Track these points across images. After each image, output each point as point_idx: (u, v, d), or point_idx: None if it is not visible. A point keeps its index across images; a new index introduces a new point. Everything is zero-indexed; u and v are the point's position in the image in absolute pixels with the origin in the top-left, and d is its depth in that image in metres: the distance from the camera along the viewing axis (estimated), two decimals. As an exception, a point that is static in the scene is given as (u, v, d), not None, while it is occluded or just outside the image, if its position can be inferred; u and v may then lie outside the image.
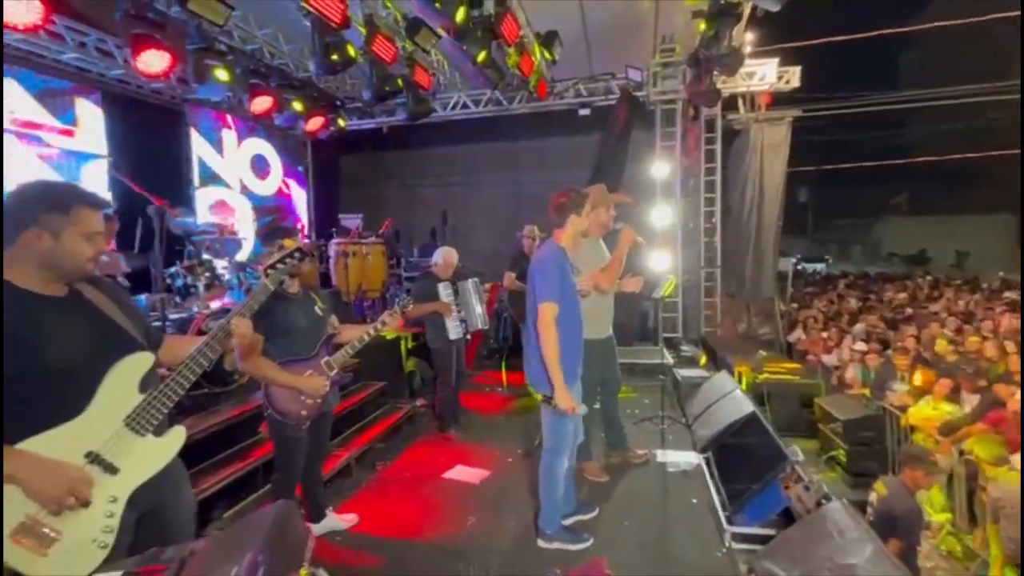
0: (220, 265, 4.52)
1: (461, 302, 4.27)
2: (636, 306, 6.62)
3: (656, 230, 6.43)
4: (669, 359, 5.19)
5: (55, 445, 1.28)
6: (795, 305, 6.16)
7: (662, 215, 6.45)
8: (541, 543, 2.68)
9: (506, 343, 6.49)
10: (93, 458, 1.34)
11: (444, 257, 4.21)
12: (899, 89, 17.70)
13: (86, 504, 1.31)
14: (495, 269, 6.28)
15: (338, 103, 6.84)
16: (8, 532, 1.20)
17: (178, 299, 3.96)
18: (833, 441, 3.99)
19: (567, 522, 2.79)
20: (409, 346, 5.12)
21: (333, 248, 5.87)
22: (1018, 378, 4.00)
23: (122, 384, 1.43)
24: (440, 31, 4.51)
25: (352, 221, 6.71)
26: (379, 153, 8.27)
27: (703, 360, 5.70)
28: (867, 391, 4.91)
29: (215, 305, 3.93)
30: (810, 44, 8.05)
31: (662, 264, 6.21)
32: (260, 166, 7.10)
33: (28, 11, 3.24)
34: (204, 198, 6.14)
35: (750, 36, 6.01)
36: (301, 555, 1.01)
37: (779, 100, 6.70)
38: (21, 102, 4.57)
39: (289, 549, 0.95)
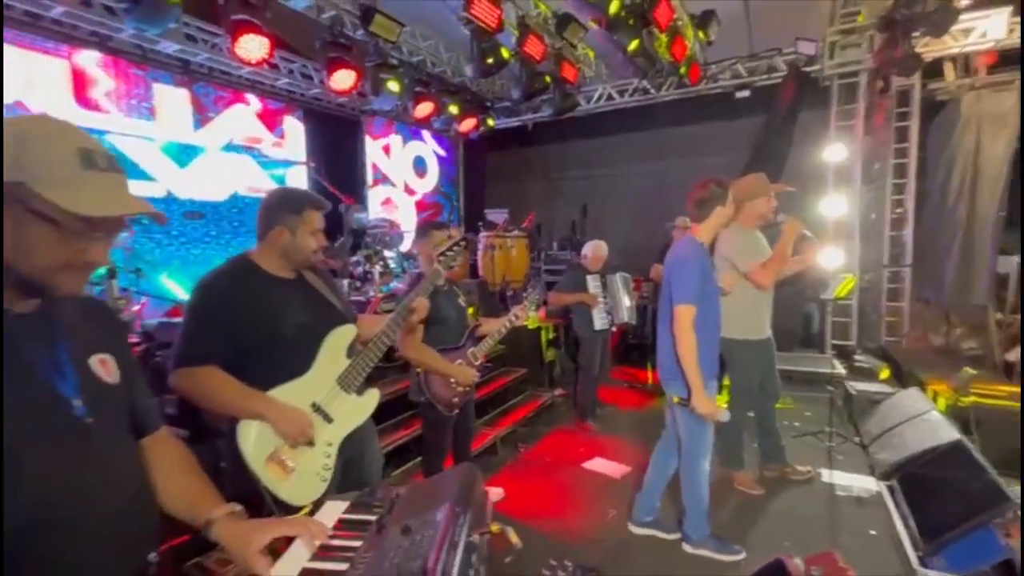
0: (389, 255, 5.14)
1: (609, 294, 4.27)
2: (799, 307, 5.92)
3: (827, 222, 5.67)
4: (840, 369, 4.56)
5: (292, 395, 1.60)
6: (1017, 316, 4.95)
7: (835, 205, 5.65)
8: (687, 548, 2.59)
9: (654, 340, 6.29)
10: (316, 408, 1.64)
11: (593, 250, 4.24)
12: None
13: (311, 444, 1.62)
14: (634, 263, 6.11)
15: (488, 104, 7.25)
16: (263, 461, 1.54)
17: (358, 284, 4.61)
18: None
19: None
20: (550, 336, 5.25)
21: (481, 241, 6.26)
22: None
23: (335, 350, 1.73)
24: (590, 23, 4.51)
25: (498, 215, 7.07)
26: (523, 149, 8.56)
27: (884, 373, 4.89)
28: None
29: (387, 289, 4.48)
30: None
31: (834, 261, 5.46)
32: (420, 166, 7.86)
33: (260, 47, 4.00)
34: (375, 196, 7.01)
35: (966, -14, 4.94)
36: (485, 513, 1.12)
37: (1006, 60, 5.38)
38: (247, 121, 5.67)
39: (476, 505, 1.07)
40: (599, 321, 4.21)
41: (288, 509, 1.48)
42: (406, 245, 5.68)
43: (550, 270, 7.13)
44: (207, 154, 5.25)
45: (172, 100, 4.96)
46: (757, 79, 6.30)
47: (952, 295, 5.38)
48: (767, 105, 6.27)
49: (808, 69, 5.87)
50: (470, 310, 2.83)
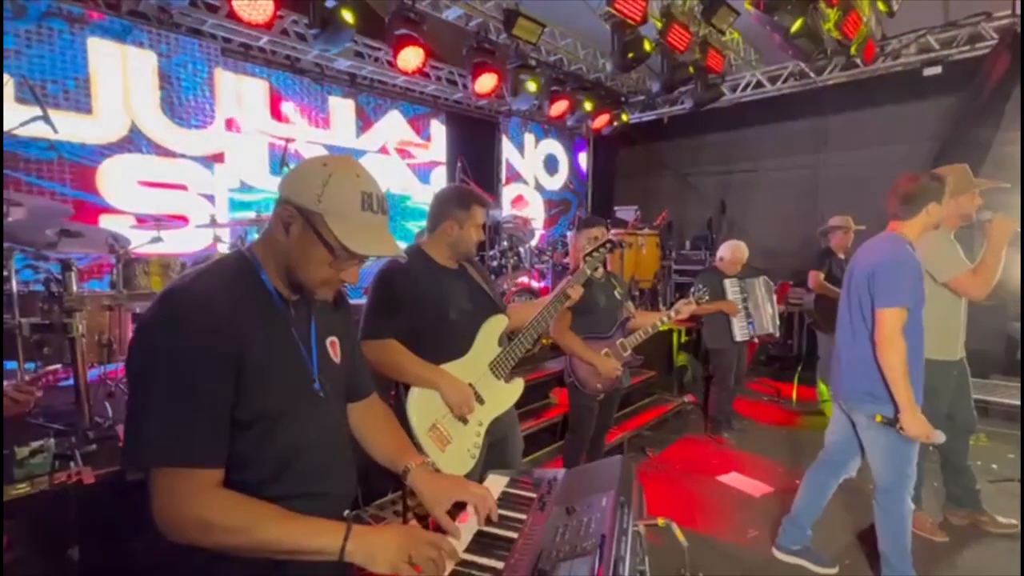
0: (520, 250, 5.31)
1: (750, 301, 3.94)
2: (1000, 326, 4.89)
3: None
4: (1059, 405, 3.68)
5: (455, 373, 1.76)
6: None
7: (1062, 202, 4.54)
8: None
9: (799, 353, 5.70)
10: (472, 389, 1.78)
11: (732, 251, 3.95)
12: None
13: (465, 421, 1.76)
14: (778, 266, 5.56)
15: (622, 98, 7.10)
16: (425, 430, 1.70)
17: (494, 277, 4.84)
18: None
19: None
20: (682, 340, 5.02)
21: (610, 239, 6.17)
22: None
23: (489, 337, 1.85)
24: (746, 6, 4.17)
25: (628, 213, 6.91)
26: (654, 144, 8.23)
27: None
28: None
29: (519, 282, 4.66)
30: None
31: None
32: (551, 164, 7.98)
33: (416, 57, 4.40)
34: (508, 193, 7.28)
35: None
36: (642, 505, 1.12)
37: None
38: (399, 127, 6.25)
39: (635, 497, 1.07)
40: (740, 332, 3.90)
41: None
42: (535, 240, 5.82)
43: (681, 270, 6.79)
44: (366, 157, 5.90)
45: (342, 110, 5.66)
46: (953, 52, 5.29)
47: None
48: (964, 83, 5.24)
49: (1029, 35, 4.78)
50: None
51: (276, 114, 5.14)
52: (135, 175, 4.14)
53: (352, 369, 1.20)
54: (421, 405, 1.71)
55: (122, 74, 4.02)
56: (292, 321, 1.02)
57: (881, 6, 4.49)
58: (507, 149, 7.28)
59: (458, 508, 1.12)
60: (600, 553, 0.82)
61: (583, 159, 8.55)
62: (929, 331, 2.56)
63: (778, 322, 4.23)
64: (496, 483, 1.25)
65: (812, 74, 6.06)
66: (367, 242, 0.96)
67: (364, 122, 5.89)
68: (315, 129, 5.43)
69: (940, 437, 2.01)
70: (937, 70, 5.33)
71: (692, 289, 2.72)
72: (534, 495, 1.16)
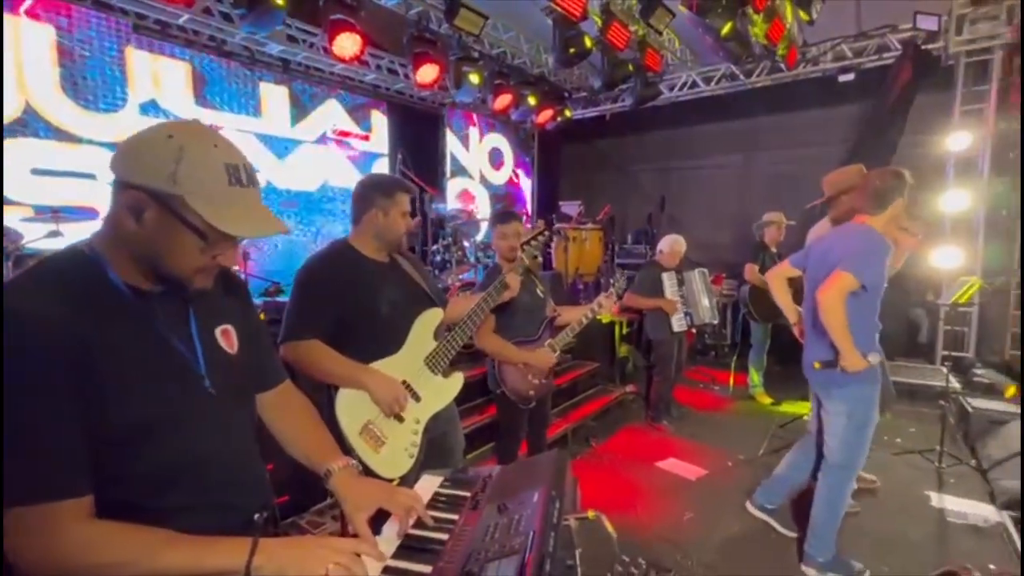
0: (466, 244, 5.26)
1: (686, 293, 4.09)
2: (904, 311, 5.37)
3: (945, 220, 5.08)
4: (955, 383, 4.09)
5: (384, 371, 1.69)
6: None
7: (956, 200, 5.04)
8: (809, 571, 2.40)
9: (735, 342, 5.99)
10: (406, 386, 1.72)
11: (671, 245, 4.08)
12: None
13: (400, 420, 1.70)
14: (715, 259, 5.82)
15: (566, 94, 7.17)
16: (357, 431, 1.63)
17: (437, 272, 4.76)
18: None
19: None
20: (623, 332, 5.15)
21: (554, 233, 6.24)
22: None
23: (424, 331, 1.80)
24: (680, 7, 4.31)
25: (572, 207, 7.00)
26: (598, 140, 8.39)
27: (1010, 391, 4.32)
28: None
29: (463, 277, 4.60)
30: None
31: (950, 262, 4.91)
32: (496, 158, 7.95)
33: (353, 44, 4.23)
34: (453, 188, 7.18)
35: None
36: (576, 499, 1.12)
37: None
38: (338, 116, 6.00)
39: (568, 492, 1.07)
40: (677, 324, 4.05)
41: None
42: (481, 235, 5.78)
43: (624, 264, 6.97)
44: (302, 147, 5.63)
45: (275, 97, 5.36)
46: (864, 60, 5.73)
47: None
48: (875, 89, 5.68)
49: (928, 47, 5.26)
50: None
51: (200, 99, 4.79)
52: (29, 162, 3.72)
53: (257, 356, 1.08)
54: (351, 405, 1.63)
55: (14, 47, 3.59)
56: (156, 317, 0.88)
57: (802, 14, 4.78)
58: (451, 142, 7.17)
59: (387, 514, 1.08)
60: (527, 551, 0.81)
61: (530, 154, 8.58)
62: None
63: (716, 312, 4.43)
64: (430, 483, 1.21)
65: (742, 76, 6.37)
66: (242, 222, 0.84)
67: (300, 111, 5.61)
68: (245, 117, 5.11)
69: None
70: (850, 77, 5.76)
71: (611, 280, 2.72)
72: (468, 494, 1.14)
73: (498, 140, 7.99)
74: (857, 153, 5.61)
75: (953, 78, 5.16)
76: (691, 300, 4.14)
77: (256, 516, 0.81)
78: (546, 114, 6.78)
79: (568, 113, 7.07)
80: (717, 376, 5.44)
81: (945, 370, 3.98)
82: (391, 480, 1.59)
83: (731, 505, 2.96)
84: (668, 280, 4.08)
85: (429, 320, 1.81)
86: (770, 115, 6.83)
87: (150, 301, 0.88)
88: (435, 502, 1.13)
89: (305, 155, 5.65)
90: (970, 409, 3.87)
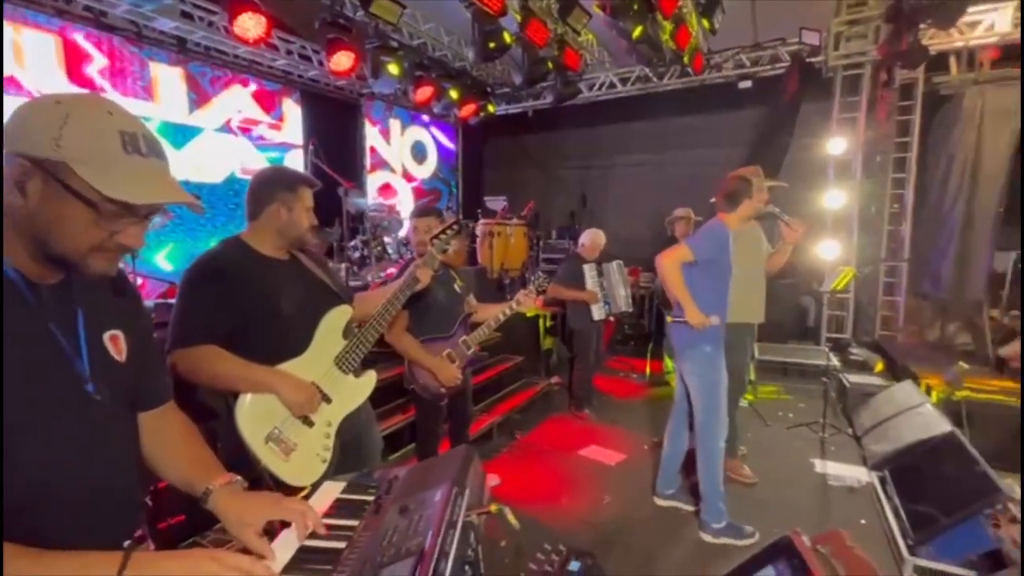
0: (387, 240, 5.11)
1: (605, 284, 4.26)
2: (794, 299, 5.94)
3: (827, 216, 5.67)
4: (835, 362, 4.59)
5: (294, 372, 1.59)
6: (1015, 312, 4.97)
7: (835, 198, 5.65)
8: (707, 538, 2.62)
9: (650, 331, 6.31)
10: (315, 387, 1.64)
11: (591, 239, 4.22)
12: None
13: (310, 424, 1.62)
14: (632, 252, 6.09)
15: (488, 89, 7.17)
16: (262, 439, 1.53)
17: (356, 268, 4.58)
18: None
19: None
20: (547, 325, 5.26)
21: (479, 228, 6.23)
22: None
23: (332, 330, 1.71)
24: (595, 9, 4.44)
25: (497, 203, 7.03)
26: (521, 137, 8.49)
27: (879, 367, 4.93)
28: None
29: (383, 274, 4.46)
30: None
31: (831, 253, 5.50)
32: (419, 152, 7.79)
33: (257, 25, 3.94)
34: (374, 181, 6.95)
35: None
36: (483, 494, 1.12)
37: (1009, 55, 5.34)
38: (244, 103, 5.59)
39: (474, 487, 1.07)
40: (597, 312, 4.21)
41: (287, 490, 1.48)
42: (403, 231, 5.65)
43: (548, 258, 7.12)
44: (203, 135, 5.18)
45: (168, 80, 4.88)
46: (760, 70, 6.25)
47: (949, 290, 5.39)
48: (770, 96, 6.23)
49: (812, 60, 5.83)
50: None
51: (76, 77, 4.25)
52: None
53: (142, 371, 0.98)
54: (254, 413, 1.52)
55: None
56: (47, 311, 0.80)
57: (706, 23, 5.11)
58: (371, 135, 6.93)
59: (283, 526, 1.01)
60: (423, 552, 0.79)
61: (453, 148, 8.49)
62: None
63: (631, 301, 4.65)
64: (331, 490, 1.16)
65: (654, 79, 6.71)
66: (136, 188, 0.75)
67: (199, 95, 5.15)
68: (133, 100, 4.61)
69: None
70: (749, 84, 6.26)
71: (532, 279, 2.76)
72: (371, 498, 1.10)
73: (420, 134, 7.83)
74: (756, 154, 6.14)
75: (832, 89, 5.76)
76: (610, 290, 4.32)
77: (126, 543, 0.74)
78: (469, 108, 6.74)
79: (491, 108, 7.08)
80: (635, 364, 5.71)
81: (827, 350, 4.46)
82: (303, 488, 1.51)
83: (647, 486, 3.13)
84: (589, 271, 4.22)
85: (337, 318, 1.73)
86: (680, 117, 7.26)
87: (39, 293, 0.80)
88: (336, 509, 1.09)
89: (207, 144, 5.21)
90: (847, 384, 4.37)
